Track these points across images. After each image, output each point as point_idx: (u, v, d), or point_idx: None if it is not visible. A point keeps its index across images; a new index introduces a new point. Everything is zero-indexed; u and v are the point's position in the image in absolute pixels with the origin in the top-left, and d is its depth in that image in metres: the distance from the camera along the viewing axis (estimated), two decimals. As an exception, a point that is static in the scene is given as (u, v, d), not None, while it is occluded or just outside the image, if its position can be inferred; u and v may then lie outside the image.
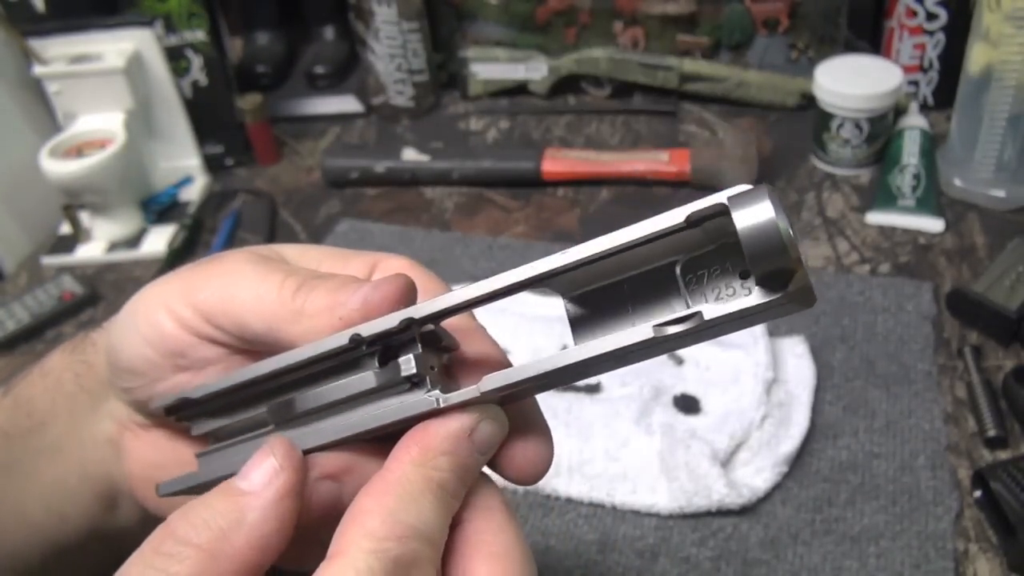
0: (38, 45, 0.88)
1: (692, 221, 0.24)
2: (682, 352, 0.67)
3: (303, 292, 0.30)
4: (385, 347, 0.29)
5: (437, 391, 0.27)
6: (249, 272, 0.31)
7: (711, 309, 0.24)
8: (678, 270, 0.26)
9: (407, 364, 0.28)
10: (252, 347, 0.32)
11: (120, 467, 0.37)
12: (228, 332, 0.31)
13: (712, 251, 0.26)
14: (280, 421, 0.31)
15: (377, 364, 0.28)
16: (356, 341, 0.28)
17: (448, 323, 0.29)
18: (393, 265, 0.33)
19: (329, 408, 0.29)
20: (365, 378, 0.28)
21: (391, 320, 0.28)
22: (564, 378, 0.27)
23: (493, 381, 0.26)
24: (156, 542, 0.26)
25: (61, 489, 0.38)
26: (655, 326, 0.24)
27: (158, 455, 0.36)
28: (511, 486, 0.62)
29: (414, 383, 0.28)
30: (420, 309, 0.27)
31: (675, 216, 0.25)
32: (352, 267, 0.33)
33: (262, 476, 0.26)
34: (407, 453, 0.27)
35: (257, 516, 0.26)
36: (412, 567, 0.25)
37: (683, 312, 0.24)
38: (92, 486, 0.38)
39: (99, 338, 0.37)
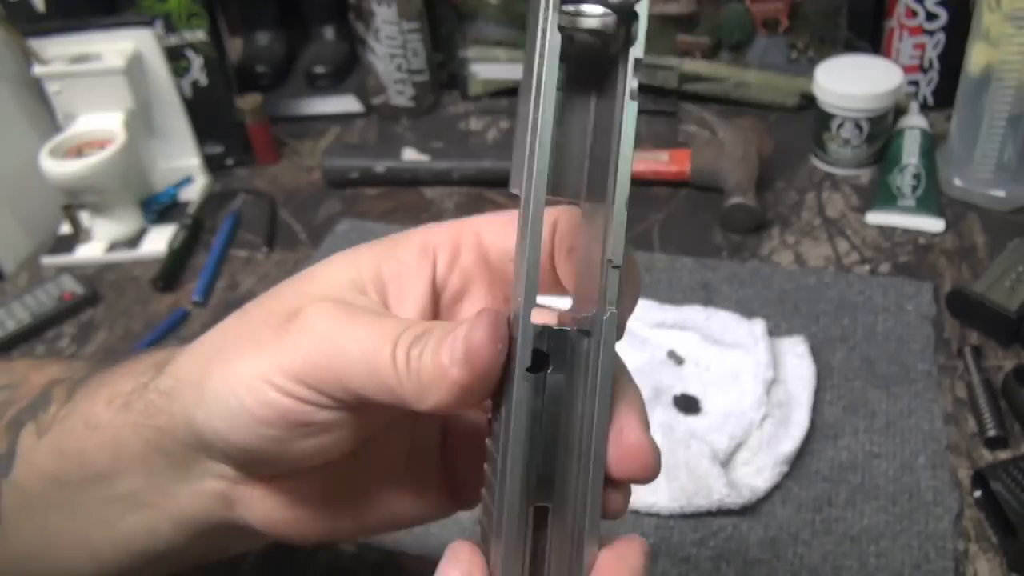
0: (38, 45, 0.88)
1: None
2: (682, 352, 0.67)
3: (415, 359, 0.27)
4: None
5: None
6: (345, 332, 0.29)
7: None
8: None
9: None
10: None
11: (234, 512, 0.35)
12: (346, 398, 0.29)
13: None
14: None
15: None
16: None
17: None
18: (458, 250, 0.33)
19: None
20: None
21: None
22: None
23: None
24: None
25: (146, 533, 0.37)
26: None
27: (285, 495, 0.34)
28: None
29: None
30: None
31: None
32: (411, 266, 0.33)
33: None
34: None
35: None
36: None
37: None
38: (192, 527, 0.36)
39: (168, 406, 0.33)
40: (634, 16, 0.26)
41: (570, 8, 0.26)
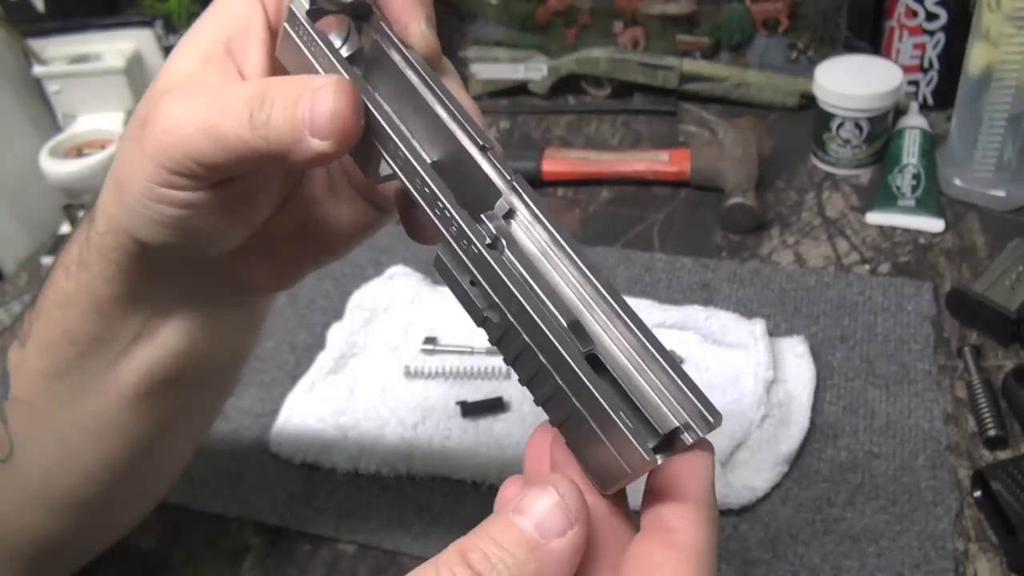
0: (38, 45, 0.88)
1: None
2: (682, 352, 0.67)
3: (261, 124, 0.30)
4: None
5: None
6: (184, 115, 0.32)
7: None
8: None
9: None
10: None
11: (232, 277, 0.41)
12: (204, 173, 0.32)
13: None
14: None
15: None
16: None
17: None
18: None
19: None
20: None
21: None
22: None
23: None
24: (450, 562, 0.28)
25: (159, 362, 0.42)
26: None
27: None
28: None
29: None
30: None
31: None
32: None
33: (556, 526, 0.27)
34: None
35: (554, 571, 0.27)
36: None
37: None
38: (195, 322, 0.41)
39: (113, 240, 0.37)
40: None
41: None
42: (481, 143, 0.30)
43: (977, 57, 0.78)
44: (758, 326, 0.68)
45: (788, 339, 0.68)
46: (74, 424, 0.42)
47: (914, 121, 0.87)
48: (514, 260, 0.29)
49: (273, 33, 0.34)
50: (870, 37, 0.98)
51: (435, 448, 0.62)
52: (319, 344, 0.73)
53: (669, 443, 0.28)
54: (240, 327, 0.45)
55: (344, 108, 0.29)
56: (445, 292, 0.74)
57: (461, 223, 0.29)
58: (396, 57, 0.33)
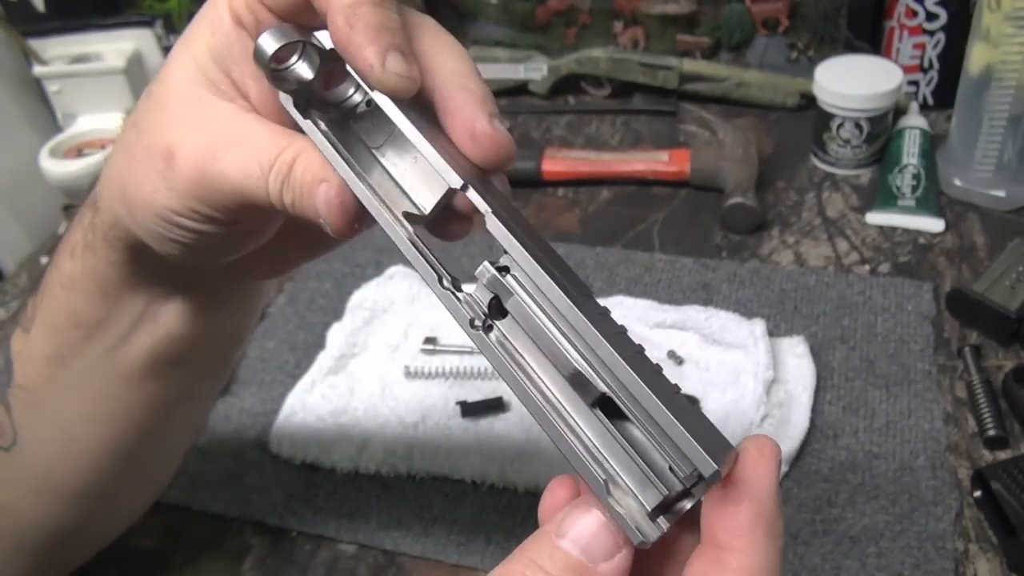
0: (38, 45, 0.88)
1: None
2: (682, 352, 0.67)
3: (286, 195, 0.32)
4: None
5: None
6: (213, 169, 0.33)
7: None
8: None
9: None
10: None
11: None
12: (224, 216, 0.34)
13: None
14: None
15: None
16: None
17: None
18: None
19: None
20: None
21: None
22: None
23: None
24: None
25: (162, 343, 0.43)
26: None
27: None
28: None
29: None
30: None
31: None
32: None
33: (603, 549, 0.26)
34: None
35: None
36: None
37: None
38: (197, 303, 0.43)
39: (118, 233, 0.38)
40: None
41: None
42: (462, 182, 0.29)
43: (977, 57, 0.78)
44: (758, 326, 0.68)
45: (788, 339, 0.68)
46: (76, 410, 0.43)
47: (914, 121, 0.87)
48: (504, 337, 0.29)
49: None
50: (870, 37, 0.98)
51: (435, 448, 0.62)
52: (319, 344, 0.73)
53: (684, 494, 0.26)
54: (238, 310, 0.46)
55: (342, 215, 0.32)
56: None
57: (446, 307, 0.29)
58: (362, 97, 0.33)
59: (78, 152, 0.86)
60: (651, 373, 0.26)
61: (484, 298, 0.29)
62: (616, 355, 0.25)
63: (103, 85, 0.88)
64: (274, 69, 0.31)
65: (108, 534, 0.52)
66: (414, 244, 0.30)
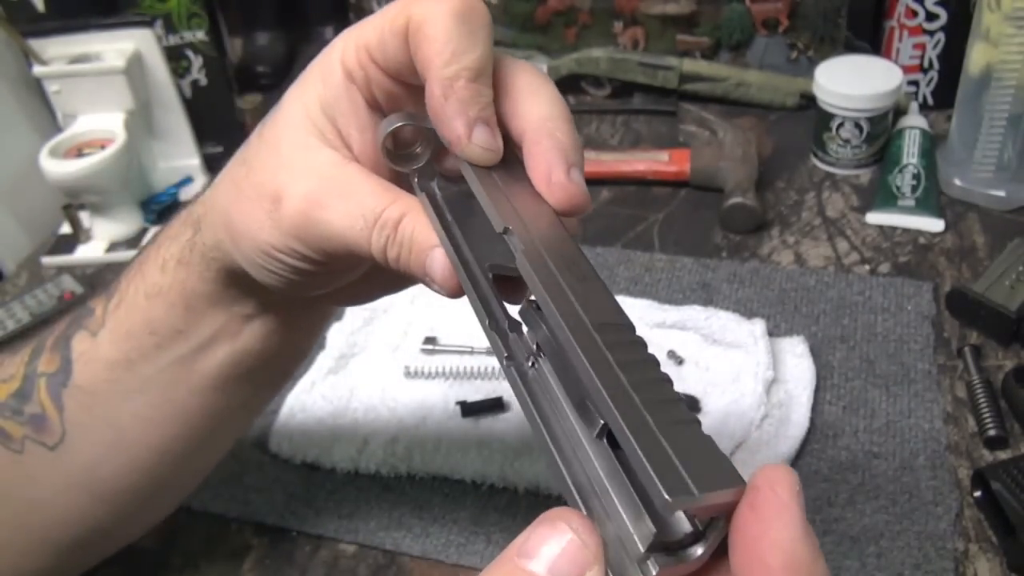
0: (38, 45, 0.88)
1: None
2: (682, 352, 0.67)
3: (394, 251, 0.34)
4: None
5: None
6: (320, 221, 0.35)
7: None
8: None
9: None
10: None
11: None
12: (326, 260, 0.37)
13: None
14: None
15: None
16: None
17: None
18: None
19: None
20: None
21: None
22: None
23: None
24: None
25: (229, 359, 0.45)
26: None
27: None
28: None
29: None
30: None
31: None
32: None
33: (573, 568, 0.22)
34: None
35: None
36: None
37: None
38: (270, 320, 0.44)
39: (219, 255, 0.40)
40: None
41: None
42: (504, 226, 0.30)
43: (977, 57, 0.78)
44: (758, 326, 0.68)
45: (788, 339, 0.68)
46: (133, 412, 0.44)
47: (914, 121, 0.87)
48: (535, 370, 0.30)
49: (369, 105, 0.37)
50: (870, 37, 0.98)
51: (435, 448, 0.62)
52: (319, 344, 0.73)
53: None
54: (311, 331, 0.48)
55: (449, 280, 0.33)
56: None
57: (489, 344, 0.31)
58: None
59: (78, 152, 0.86)
60: (655, 402, 0.23)
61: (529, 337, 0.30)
62: (597, 382, 0.23)
63: (103, 85, 0.88)
64: (390, 151, 0.35)
65: (132, 536, 0.52)
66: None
